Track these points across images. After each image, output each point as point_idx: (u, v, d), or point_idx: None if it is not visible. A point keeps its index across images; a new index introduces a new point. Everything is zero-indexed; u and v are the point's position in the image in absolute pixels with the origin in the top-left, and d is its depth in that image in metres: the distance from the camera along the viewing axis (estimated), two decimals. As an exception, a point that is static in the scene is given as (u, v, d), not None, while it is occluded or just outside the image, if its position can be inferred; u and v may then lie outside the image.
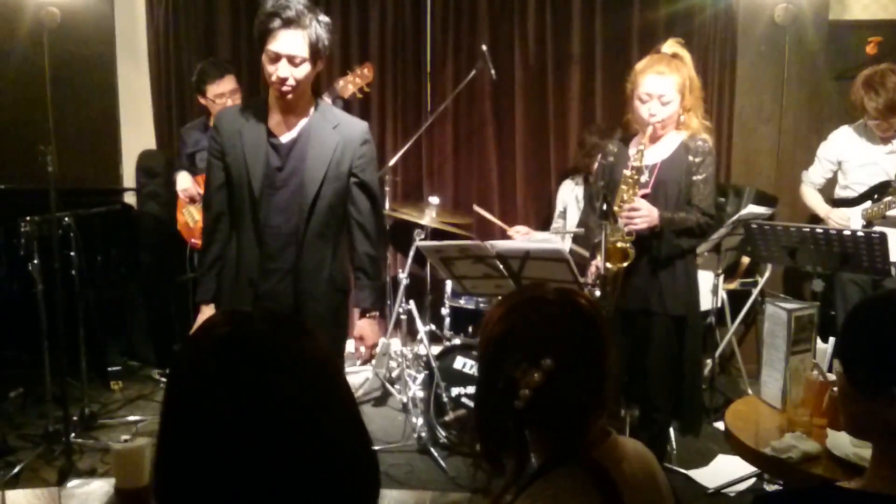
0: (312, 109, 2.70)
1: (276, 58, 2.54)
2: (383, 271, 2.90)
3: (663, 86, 3.01)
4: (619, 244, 2.97)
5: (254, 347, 1.00)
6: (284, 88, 2.57)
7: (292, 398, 0.98)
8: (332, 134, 2.67)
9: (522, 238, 4.35)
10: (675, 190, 3.09)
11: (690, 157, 3.09)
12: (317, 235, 2.68)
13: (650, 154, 3.09)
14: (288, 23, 2.51)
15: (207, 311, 2.75)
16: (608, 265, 2.92)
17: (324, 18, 2.61)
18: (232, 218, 2.73)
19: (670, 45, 3.12)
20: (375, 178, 2.81)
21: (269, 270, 2.69)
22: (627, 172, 3.02)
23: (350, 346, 3.13)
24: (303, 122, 2.68)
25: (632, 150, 3.10)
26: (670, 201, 3.08)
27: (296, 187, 2.65)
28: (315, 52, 2.56)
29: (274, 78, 2.56)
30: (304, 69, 2.57)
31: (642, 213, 2.96)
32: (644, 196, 3.04)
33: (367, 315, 2.81)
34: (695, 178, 3.09)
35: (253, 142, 2.64)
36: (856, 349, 1.38)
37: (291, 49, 2.53)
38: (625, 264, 2.97)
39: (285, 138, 2.67)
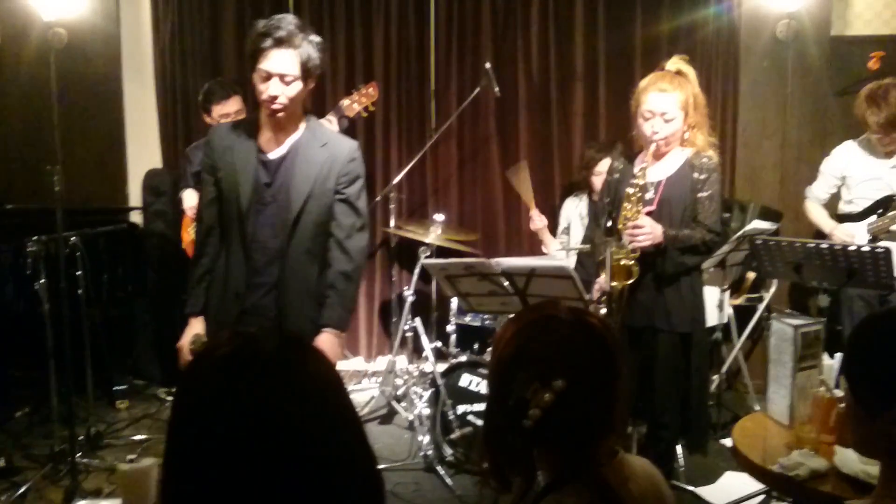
0: (303, 127, 2.75)
1: (267, 77, 2.58)
2: (356, 293, 2.84)
3: (666, 103, 3.02)
4: (624, 262, 2.97)
5: (259, 367, 1.00)
6: (275, 107, 2.61)
7: (298, 418, 0.98)
8: (321, 151, 2.71)
9: (541, 228, 4.36)
10: (680, 207, 3.09)
11: (695, 175, 3.09)
12: (303, 252, 2.70)
13: (655, 171, 3.10)
14: (279, 42, 2.56)
15: (196, 324, 2.78)
16: (613, 283, 2.92)
17: (315, 38, 2.65)
18: (222, 232, 2.77)
19: (674, 62, 3.13)
20: (361, 196, 2.79)
21: (254, 284, 2.72)
22: (631, 190, 3.03)
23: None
24: (292, 139, 2.73)
25: (636, 168, 3.11)
26: (675, 218, 3.08)
27: (283, 203, 2.68)
28: (306, 71, 2.61)
29: (265, 96, 2.60)
30: (295, 88, 2.61)
31: (646, 231, 2.95)
32: (649, 213, 3.04)
33: (332, 331, 2.71)
34: (700, 195, 3.08)
35: (243, 158, 2.69)
36: (861, 367, 1.38)
37: (282, 68, 2.57)
38: (629, 282, 2.97)
39: (274, 155, 2.71)
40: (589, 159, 4.38)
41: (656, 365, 3.11)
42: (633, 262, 2.97)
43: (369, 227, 2.91)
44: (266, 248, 2.70)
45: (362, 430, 1.07)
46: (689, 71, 3.11)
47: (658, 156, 3.10)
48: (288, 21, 2.60)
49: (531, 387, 1.33)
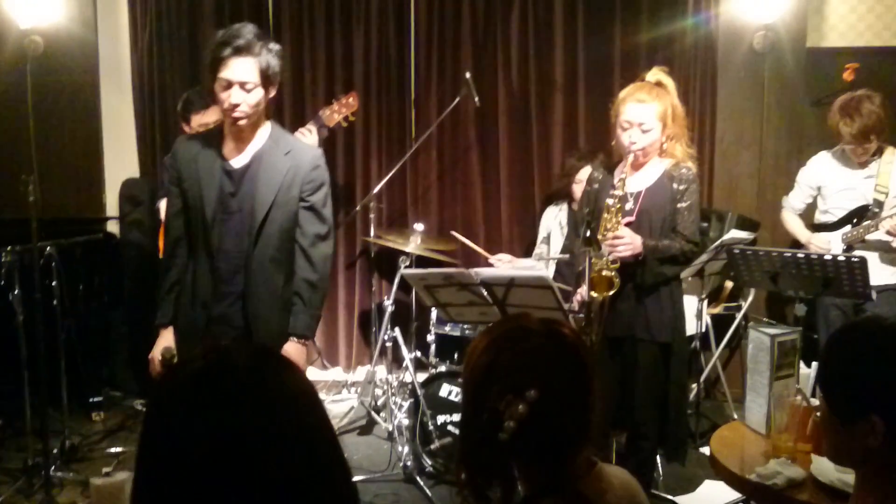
0: (266, 136, 2.76)
1: (227, 85, 2.60)
2: (322, 301, 2.84)
3: (643, 114, 3.04)
4: (605, 273, 2.98)
5: (232, 381, 0.99)
6: (237, 114, 2.62)
7: (271, 431, 0.97)
8: (284, 160, 2.73)
9: (506, 265, 4.36)
10: (660, 217, 3.10)
11: (674, 185, 3.11)
12: (267, 260, 2.71)
13: (634, 182, 3.11)
14: (238, 51, 2.58)
15: (166, 335, 2.78)
16: (594, 294, 2.93)
17: (274, 46, 2.68)
18: (189, 242, 2.78)
19: (654, 73, 3.15)
20: (326, 203, 2.81)
21: (221, 294, 2.72)
22: (610, 201, 3.04)
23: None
24: (255, 147, 2.74)
25: (615, 178, 3.12)
26: (655, 229, 3.09)
27: (247, 212, 2.69)
28: (266, 78, 2.63)
29: (227, 105, 2.61)
30: (256, 95, 2.63)
31: (625, 242, 2.97)
32: (628, 224, 3.05)
33: (298, 340, 2.75)
34: (679, 205, 3.10)
35: (207, 167, 2.70)
36: (835, 376, 1.39)
37: (243, 76, 2.59)
38: (610, 293, 2.98)
39: (238, 164, 2.72)
40: (570, 167, 4.41)
41: (636, 374, 3.12)
42: (613, 272, 2.98)
43: (334, 235, 2.96)
44: (231, 258, 2.71)
45: (337, 442, 1.06)
46: (669, 82, 3.13)
47: (637, 166, 3.11)
48: (247, 30, 2.62)
49: (504, 399, 1.33)
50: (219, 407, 0.96)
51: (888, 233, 3.69)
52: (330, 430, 1.06)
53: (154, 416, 1.02)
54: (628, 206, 3.08)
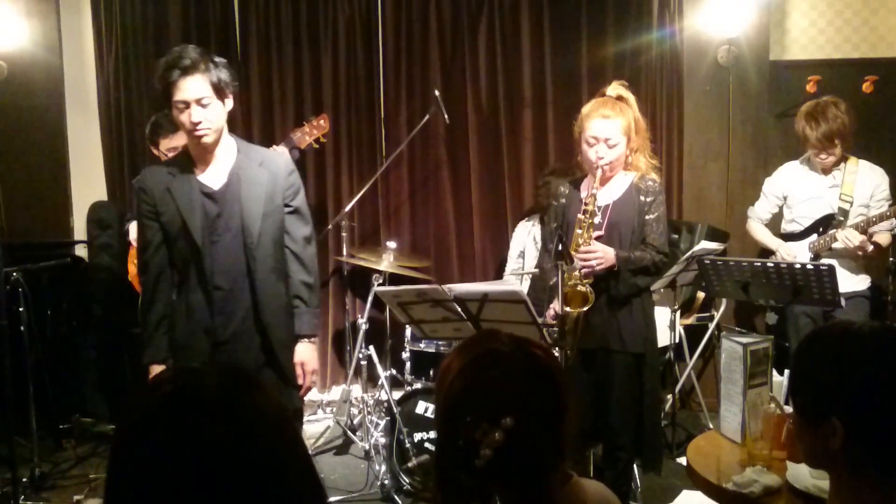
0: (235, 151, 2.77)
1: (185, 106, 2.62)
2: (319, 298, 2.99)
3: (609, 129, 3.06)
4: (579, 288, 2.99)
5: (203, 404, 0.97)
6: (200, 132, 2.63)
7: (243, 454, 0.95)
8: (260, 171, 2.75)
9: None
10: (629, 230, 3.13)
11: (642, 197, 3.14)
12: (269, 270, 2.76)
13: (601, 195, 3.14)
14: (186, 70, 2.60)
15: (158, 371, 2.74)
16: (568, 309, 2.94)
17: (220, 60, 2.70)
18: (176, 273, 2.77)
19: (614, 88, 3.18)
20: (306, 205, 2.92)
21: (225, 314, 2.72)
22: (581, 216, 3.06)
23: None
24: (228, 165, 2.74)
25: (583, 193, 3.14)
26: (624, 241, 3.12)
27: (237, 230, 2.70)
28: (219, 91, 2.65)
29: (188, 125, 2.63)
30: (215, 109, 2.65)
31: (598, 256, 2.99)
32: (598, 238, 3.07)
33: (308, 340, 2.89)
34: (647, 217, 3.13)
35: (185, 196, 2.69)
36: (801, 380, 1.42)
37: (196, 93, 2.61)
38: (585, 308, 2.99)
39: (216, 184, 2.72)
40: (543, 183, 4.44)
41: (611, 386, 3.13)
42: (587, 288, 3.00)
43: (319, 253, 3.01)
44: (230, 277, 2.71)
45: (311, 462, 1.05)
46: (630, 96, 3.17)
47: (603, 181, 3.14)
48: (189, 50, 2.66)
49: (480, 427, 1.31)
50: (190, 430, 0.95)
51: (850, 242, 3.74)
52: (303, 450, 1.05)
53: (123, 440, 1.00)
54: (597, 220, 3.10)
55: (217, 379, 1.01)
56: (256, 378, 1.06)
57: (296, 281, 2.86)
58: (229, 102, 2.72)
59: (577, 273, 2.99)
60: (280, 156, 2.88)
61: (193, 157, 2.74)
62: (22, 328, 3.84)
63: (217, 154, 2.72)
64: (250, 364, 2.73)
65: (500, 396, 1.34)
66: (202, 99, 2.61)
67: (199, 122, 2.61)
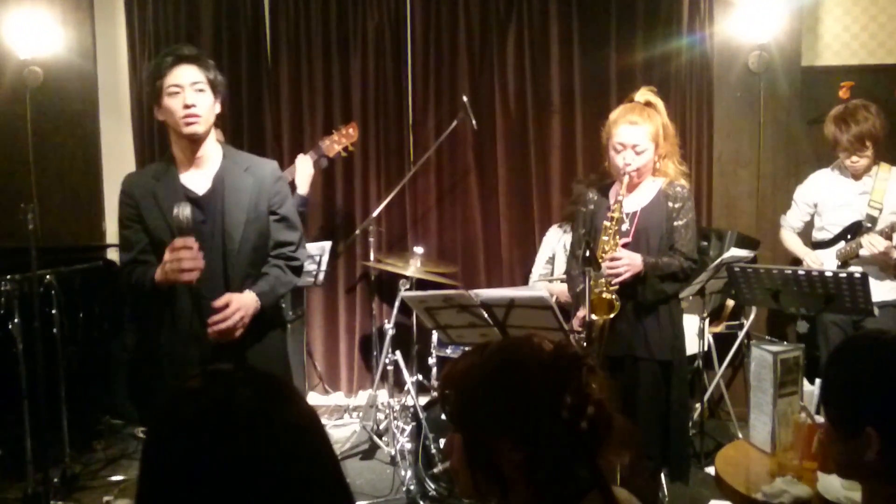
0: (221, 156, 2.73)
1: (178, 90, 2.58)
2: (286, 289, 2.86)
3: (637, 135, 3.05)
4: (605, 295, 2.98)
5: (236, 414, 0.98)
6: (192, 119, 2.57)
7: (274, 462, 0.96)
8: (245, 177, 2.70)
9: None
10: (657, 236, 3.11)
11: (670, 204, 3.12)
12: (244, 277, 2.68)
13: (630, 202, 3.12)
14: (181, 59, 2.60)
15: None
16: (594, 317, 2.92)
17: (212, 63, 2.69)
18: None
19: (643, 94, 3.17)
20: (294, 211, 2.85)
21: (205, 322, 2.63)
22: (607, 223, 3.05)
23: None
24: (214, 170, 2.70)
25: (611, 200, 3.13)
26: (652, 248, 3.10)
27: (220, 236, 2.65)
28: (213, 85, 2.64)
29: (180, 110, 2.57)
30: (207, 97, 2.62)
31: (625, 262, 2.97)
32: (625, 245, 3.06)
33: (256, 297, 2.66)
34: (676, 223, 3.11)
35: (170, 201, 2.60)
36: (834, 390, 1.40)
37: (191, 77, 2.59)
38: (611, 315, 2.98)
39: (200, 190, 2.68)
40: (578, 194, 4.41)
41: (638, 394, 3.11)
42: (613, 295, 2.98)
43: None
44: (211, 284, 2.64)
45: (339, 469, 1.05)
46: (658, 102, 3.15)
47: (631, 187, 3.12)
48: (187, 46, 2.68)
49: (503, 447, 1.28)
50: (221, 439, 0.95)
51: (875, 248, 3.69)
52: (332, 457, 1.05)
53: (155, 446, 1.00)
54: (624, 226, 3.08)
55: (250, 388, 1.01)
56: (289, 386, 1.06)
57: (285, 282, 2.78)
58: (218, 106, 2.69)
59: (603, 280, 2.98)
60: (268, 163, 2.82)
61: (178, 161, 2.70)
62: (55, 330, 3.90)
63: (202, 157, 2.68)
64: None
65: (520, 412, 1.28)
66: (197, 83, 2.58)
67: (193, 105, 2.56)
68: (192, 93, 2.58)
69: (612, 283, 2.99)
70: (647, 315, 3.11)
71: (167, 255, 2.48)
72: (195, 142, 2.65)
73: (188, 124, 2.59)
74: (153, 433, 1.02)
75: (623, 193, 3.06)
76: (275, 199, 2.75)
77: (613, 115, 3.14)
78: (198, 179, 2.69)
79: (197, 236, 2.58)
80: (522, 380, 1.29)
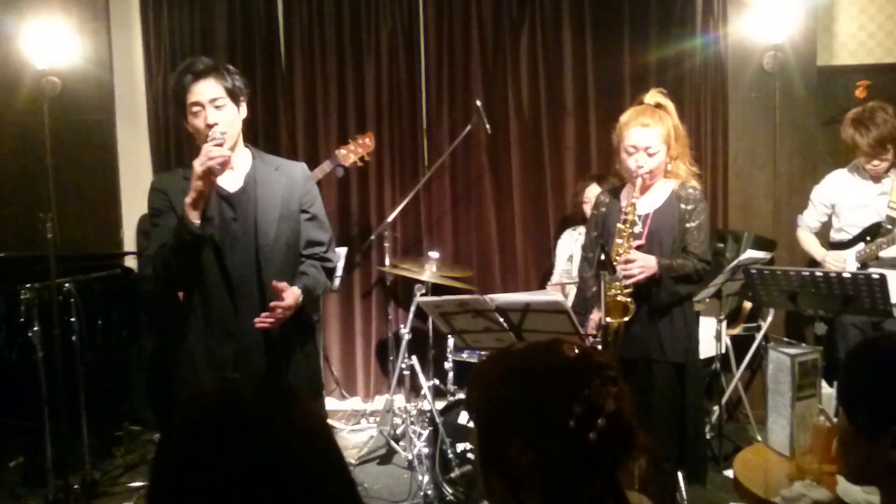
0: (251, 157, 2.78)
1: (200, 108, 2.62)
2: (324, 289, 2.93)
3: (648, 138, 3.04)
4: (620, 298, 2.97)
5: (240, 415, 0.99)
6: (216, 141, 2.58)
7: (281, 465, 0.96)
8: (277, 175, 2.75)
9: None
10: (670, 238, 3.10)
11: (682, 205, 3.11)
12: (278, 273, 2.70)
13: (642, 204, 3.12)
14: (199, 75, 2.62)
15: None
16: (609, 319, 2.92)
17: (232, 68, 2.71)
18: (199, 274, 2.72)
19: (653, 96, 3.16)
20: (324, 212, 2.90)
21: (242, 318, 2.68)
22: (621, 226, 3.04)
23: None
24: (245, 171, 2.75)
25: (623, 202, 3.12)
26: (665, 250, 3.09)
27: (252, 233, 2.69)
28: (233, 95, 2.66)
29: (203, 128, 2.61)
30: (229, 111, 2.65)
31: (639, 264, 2.97)
32: (639, 247, 3.05)
33: (300, 290, 2.71)
34: (688, 225, 3.10)
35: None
36: (855, 391, 1.38)
37: (210, 93, 2.62)
38: (626, 318, 2.97)
39: (232, 188, 2.72)
40: (578, 189, 4.45)
41: (652, 396, 3.09)
42: (628, 298, 2.98)
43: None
44: (244, 280, 2.69)
45: (348, 473, 1.06)
46: (668, 104, 3.14)
47: (643, 189, 3.11)
48: (203, 59, 2.68)
49: (515, 447, 1.27)
50: (227, 441, 0.96)
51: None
52: (341, 461, 1.05)
53: (165, 449, 1.02)
54: (637, 229, 3.08)
55: (254, 391, 1.02)
56: (294, 389, 1.07)
57: (321, 283, 2.83)
58: (244, 110, 2.73)
59: (617, 283, 2.97)
60: (297, 164, 2.88)
61: None
62: (74, 338, 3.93)
63: (233, 160, 2.70)
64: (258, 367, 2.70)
65: (533, 414, 1.27)
66: (216, 100, 2.62)
67: (216, 124, 2.60)
68: (213, 111, 2.62)
69: (626, 285, 2.98)
70: (662, 317, 3.10)
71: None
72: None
73: (215, 145, 2.58)
74: (165, 433, 1.04)
75: (636, 196, 3.05)
76: (305, 197, 2.81)
77: (624, 118, 3.13)
78: (229, 178, 2.72)
79: (228, 233, 2.67)
80: (531, 383, 1.29)
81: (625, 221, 3.03)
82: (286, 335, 2.73)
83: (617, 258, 2.99)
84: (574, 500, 1.28)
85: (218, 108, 2.63)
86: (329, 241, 2.89)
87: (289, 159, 2.95)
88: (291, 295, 2.66)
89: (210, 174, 2.53)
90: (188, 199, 2.55)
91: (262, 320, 2.62)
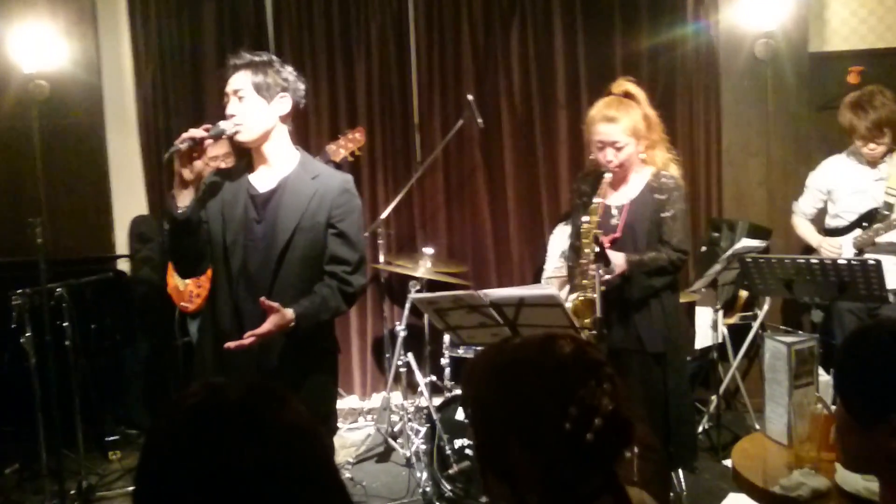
0: (295, 162, 2.72)
1: (226, 99, 2.65)
2: (329, 319, 2.70)
3: (614, 132, 3.00)
4: (581, 298, 2.97)
5: (224, 416, 0.97)
6: (236, 127, 2.60)
7: (266, 467, 0.95)
8: (310, 183, 2.66)
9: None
10: (645, 230, 3.08)
11: (656, 195, 3.08)
12: (289, 286, 2.60)
13: (618, 196, 3.10)
14: (236, 68, 2.64)
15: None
16: (586, 320, 2.91)
17: (275, 62, 2.70)
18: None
19: (619, 85, 3.12)
20: (357, 231, 2.70)
21: (243, 326, 2.58)
22: (585, 226, 3.02)
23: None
24: (283, 174, 2.69)
25: (596, 200, 3.07)
26: (641, 242, 3.07)
27: (270, 238, 2.62)
28: (262, 88, 2.63)
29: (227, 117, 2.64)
30: (250, 104, 2.61)
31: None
32: (614, 240, 3.03)
33: (292, 316, 2.51)
34: (663, 214, 3.07)
35: (232, 192, 2.67)
36: (851, 380, 1.37)
37: (234, 85, 2.62)
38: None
39: (263, 189, 2.68)
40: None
41: (632, 387, 3.07)
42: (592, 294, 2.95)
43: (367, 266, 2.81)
44: (254, 285, 2.60)
45: (339, 477, 1.04)
46: (638, 92, 3.10)
47: (618, 181, 3.09)
48: (248, 54, 2.70)
49: (513, 451, 1.26)
50: (211, 442, 0.95)
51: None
52: (329, 464, 1.04)
53: (150, 449, 1.00)
54: (613, 221, 3.06)
55: (240, 392, 1.01)
56: (282, 392, 1.05)
57: (338, 306, 2.64)
58: (279, 106, 2.66)
59: (586, 282, 2.95)
60: (339, 174, 2.75)
61: (254, 162, 2.73)
62: (67, 343, 3.91)
63: (272, 160, 2.68)
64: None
65: (531, 413, 1.26)
66: (239, 91, 2.61)
67: (232, 116, 2.60)
68: (234, 102, 2.63)
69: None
70: (637, 310, 3.08)
71: None
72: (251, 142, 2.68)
73: (235, 133, 2.63)
74: (150, 434, 1.03)
75: (603, 194, 3.03)
76: (336, 211, 2.64)
77: (592, 112, 3.09)
78: (265, 178, 2.69)
79: (249, 234, 2.63)
80: (525, 385, 1.26)
81: (588, 222, 3.01)
82: (297, 359, 2.61)
83: (582, 261, 2.98)
84: (573, 496, 1.27)
85: (239, 99, 2.62)
86: (357, 263, 2.66)
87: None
88: (278, 319, 2.47)
89: (182, 156, 2.51)
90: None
91: (238, 343, 2.46)
